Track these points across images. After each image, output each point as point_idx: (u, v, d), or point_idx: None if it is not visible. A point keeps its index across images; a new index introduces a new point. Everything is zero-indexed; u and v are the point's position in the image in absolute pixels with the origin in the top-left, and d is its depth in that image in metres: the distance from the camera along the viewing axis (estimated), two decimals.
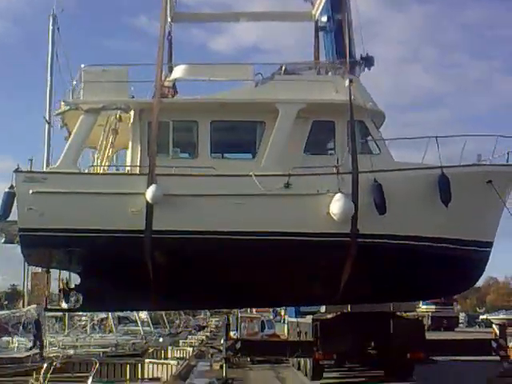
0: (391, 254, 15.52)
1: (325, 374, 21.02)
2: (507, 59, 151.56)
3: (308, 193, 15.33)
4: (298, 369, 23.27)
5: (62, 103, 16.44)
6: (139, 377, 27.11)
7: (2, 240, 18.02)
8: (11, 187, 15.13)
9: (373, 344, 20.07)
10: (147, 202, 14.76)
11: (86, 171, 16.58)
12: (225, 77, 16.44)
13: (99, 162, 17.27)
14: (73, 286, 16.99)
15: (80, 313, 51.51)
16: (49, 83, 31.77)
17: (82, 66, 16.12)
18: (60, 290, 17.00)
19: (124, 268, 15.01)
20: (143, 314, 44.31)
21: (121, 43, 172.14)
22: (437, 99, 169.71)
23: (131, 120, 16.16)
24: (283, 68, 16.87)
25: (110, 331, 43.10)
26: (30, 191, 14.84)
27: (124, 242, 14.85)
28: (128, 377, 27.19)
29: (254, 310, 40.11)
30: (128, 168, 16.46)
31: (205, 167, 15.47)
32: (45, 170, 18.22)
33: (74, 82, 16.18)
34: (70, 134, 16.96)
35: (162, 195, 14.71)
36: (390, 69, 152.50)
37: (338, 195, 14.93)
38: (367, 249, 15.32)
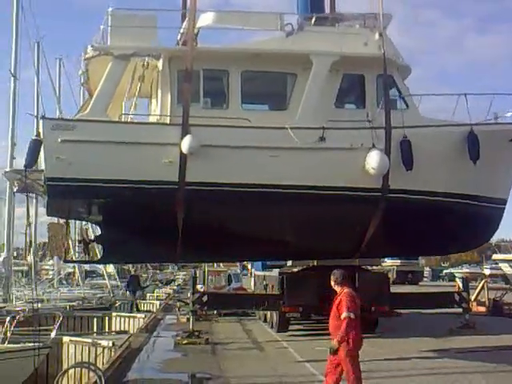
0: (419, 210, 15.59)
1: (290, 327, 21.19)
2: (479, 18, 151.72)
3: (342, 147, 15.16)
4: (265, 321, 23.47)
5: (90, 48, 15.38)
6: (106, 330, 27.14)
7: (15, 189, 17.36)
8: (38, 135, 14.34)
9: None
10: (181, 153, 14.24)
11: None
12: (254, 26, 15.98)
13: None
14: (93, 237, 16.50)
15: (47, 266, 51.76)
16: (14, 36, 31.10)
17: (110, 9, 15.17)
18: (80, 241, 16.50)
19: (152, 220, 14.57)
20: (110, 268, 44.32)
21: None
22: (408, 57, 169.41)
23: (160, 68, 15.41)
24: (313, 19, 16.41)
25: (77, 285, 43.17)
26: (59, 139, 14.00)
27: (155, 194, 14.35)
28: (95, 330, 27.27)
29: (221, 264, 40.19)
30: (157, 117, 15.74)
31: (237, 118, 14.97)
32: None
33: (102, 27, 15.12)
34: (88, 80, 16.29)
35: (198, 146, 14.24)
36: None
37: (375, 150, 14.87)
38: (396, 204, 15.33)
